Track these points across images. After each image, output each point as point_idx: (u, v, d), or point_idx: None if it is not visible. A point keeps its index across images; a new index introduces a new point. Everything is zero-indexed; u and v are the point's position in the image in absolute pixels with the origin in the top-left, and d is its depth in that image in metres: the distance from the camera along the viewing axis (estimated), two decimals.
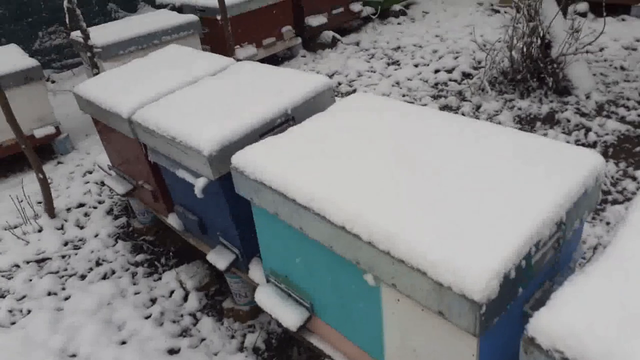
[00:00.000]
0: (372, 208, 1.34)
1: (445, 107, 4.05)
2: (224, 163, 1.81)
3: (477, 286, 1.11)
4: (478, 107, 3.94)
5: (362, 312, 1.55)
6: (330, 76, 5.04)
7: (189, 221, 2.39)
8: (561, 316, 1.04)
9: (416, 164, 1.50)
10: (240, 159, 1.66)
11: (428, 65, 4.87)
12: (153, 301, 2.67)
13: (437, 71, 4.71)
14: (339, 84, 4.85)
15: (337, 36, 5.88)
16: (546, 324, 1.04)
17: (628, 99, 3.73)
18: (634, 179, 2.96)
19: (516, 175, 1.39)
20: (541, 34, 3.76)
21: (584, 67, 3.90)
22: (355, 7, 6.08)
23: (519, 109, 3.82)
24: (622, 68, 4.20)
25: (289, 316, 1.83)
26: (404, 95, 4.36)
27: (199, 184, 1.87)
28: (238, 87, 2.22)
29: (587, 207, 1.44)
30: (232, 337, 2.42)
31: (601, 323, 1.00)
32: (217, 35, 4.80)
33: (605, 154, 3.21)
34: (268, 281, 1.97)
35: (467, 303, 1.13)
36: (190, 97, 2.21)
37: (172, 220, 2.63)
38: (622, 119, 3.52)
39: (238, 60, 4.83)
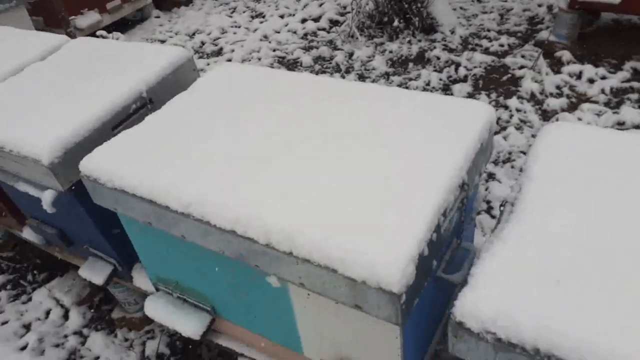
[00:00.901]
0: (262, 204, 1.14)
1: (318, 59, 3.89)
2: (72, 169, 1.48)
3: (393, 277, 0.99)
4: (351, 55, 3.84)
5: (271, 309, 1.39)
6: (191, 35, 4.62)
7: (48, 234, 2.02)
8: (487, 294, 0.96)
9: (300, 145, 1.31)
10: (91, 165, 1.34)
11: (294, 15, 4.64)
12: (27, 327, 2.33)
13: (304, 20, 4.51)
14: (203, 43, 4.46)
15: None
16: (473, 305, 0.95)
17: (489, 30, 3.85)
18: (505, 107, 3.08)
19: (410, 141, 1.27)
20: None
21: (445, 3, 3.94)
22: None
23: (390, 52, 3.78)
24: (479, 0, 4.33)
25: (189, 324, 1.61)
26: (274, 50, 4.11)
27: (47, 198, 1.52)
28: (76, 72, 1.82)
29: (484, 160, 1.38)
30: (130, 348, 2.17)
31: (529, 295, 0.93)
32: (48, 3, 4.10)
33: (476, 87, 3.29)
34: (157, 289, 1.72)
35: (385, 295, 1.01)
36: (16, 91, 1.78)
37: (29, 234, 2.22)
38: (486, 51, 3.63)
39: (79, 30, 4.20)
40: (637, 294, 0.89)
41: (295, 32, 4.35)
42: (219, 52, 4.26)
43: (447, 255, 1.38)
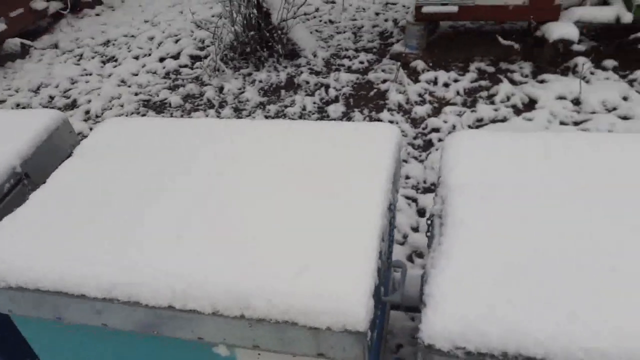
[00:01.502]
0: (198, 270, 1.05)
1: (187, 97, 3.75)
2: None
3: (359, 316, 0.96)
4: (221, 89, 3.77)
5: None
6: (36, 91, 4.18)
7: None
8: (449, 311, 0.97)
9: (222, 198, 1.23)
10: None
11: (150, 55, 4.44)
12: None
13: (162, 59, 4.33)
14: (52, 98, 4.06)
15: (27, 42, 4.88)
16: (438, 325, 0.96)
17: (347, 49, 4.05)
18: (379, 121, 3.25)
19: (335, 175, 1.26)
20: (256, 4, 3.75)
21: (303, 28, 4.06)
22: (38, 4, 5.11)
23: (260, 81, 3.79)
24: (331, 22, 4.54)
25: None
26: (136, 94, 3.88)
27: None
28: None
29: (399, 177, 1.43)
30: None
31: (488, 303, 0.97)
32: None
33: (348, 105, 3.43)
34: None
35: (351, 336, 0.98)
36: None
37: None
38: (349, 69, 3.81)
39: None
40: (586, 284, 0.97)
41: (155, 73, 4.16)
42: (73, 105, 3.91)
43: (384, 277, 1.40)
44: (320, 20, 4.57)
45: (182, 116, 3.60)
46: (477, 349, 0.95)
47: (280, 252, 1.06)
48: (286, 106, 3.49)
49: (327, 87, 3.62)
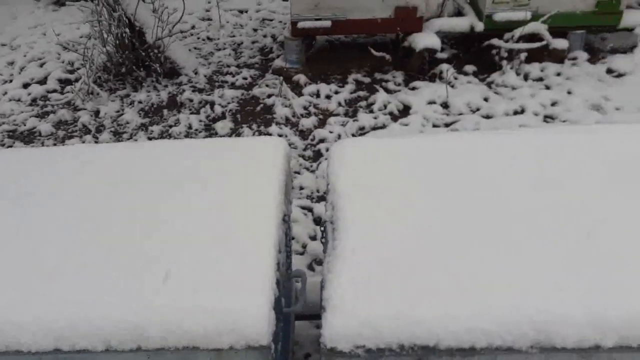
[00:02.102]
0: (82, 305, 0.98)
1: (59, 124, 3.49)
2: None
3: (261, 329, 0.97)
4: (97, 113, 3.56)
5: None
6: None
7: None
8: (347, 312, 1.01)
9: (113, 227, 1.17)
10: None
11: (11, 81, 4.06)
12: None
13: (26, 85, 3.98)
14: None
15: None
16: (338, 327, 1.00)
17: (229, 66, 4.04)
18: (269, 135, 3.28)
19: (222, 190, 1.26)
20: (128, 23, 3.60)
21: (181, 45, 3.99)
22: None
23: (140, 102, 3.64)
24: (210, 39, 4.50)
25: None
26: (0, 125, 3.53)
27: None
28: None
29: (290, 189, 1.46)
30: None
31: (382, 299, 1.02)
32: None
33: (236, 121, 3.42)
34: None
35: (255, 352, 0.98)
36: None
37: None
38: (233, 86, 3.80)
39: None
40: (466, 274, 1.06)
41: (19, 100, 3.81)
42: None
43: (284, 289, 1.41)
44: (199, 38, 4.51)
45: (55, 144, 3.33)
46: (376, 346, 1.00)
47: (173, 275, 1.03)
48: (170, 126, 3.39)
49: (212, 104, 3.57)
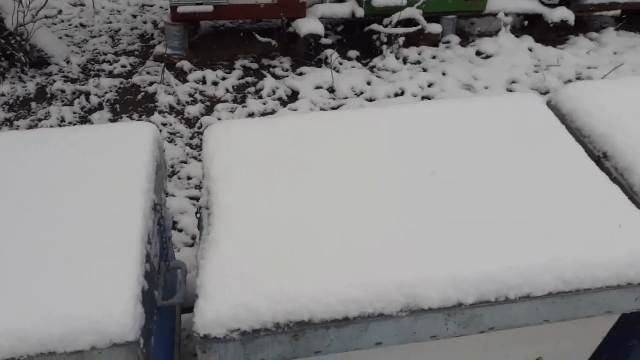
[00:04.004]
0: None
1: None
2: None
3: (126, 326, 0.91)
4: None
5: None
6: None
7: None
8: (220, 297, 0.99)
9: None
10: None
11: None
12: None
13: None
14: None
15: None
16: (211, 313, 0.97)
17: (105, 54, 3.77)
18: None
19: (83, 181, 1.17)
20: None
21: (49, 33, 3.65)
22: None
23: (3, 95, 3.29)
24: (83, 25, 4.17)
25: None
26: None
27: None
28: None
29: (163, 177, 1.39)
30: None
31: (256, 280, 1.01)
32: None
33: (115, 112, 3.21)
34: None
35: (122, 350, 0.93)
36: None
37: None
38: (111, 74, 3.56)
39: None
40: (342, 244, 1.08)
41: None
42: None
43: (162, 281, 1.35)
44: (70, 25, 4.16)
45: None
46: (251, 328, 0.98)
47: (23, 278, 0.94)
48: (40, 119, 3.10)
49: (87, 94, 3.32)
